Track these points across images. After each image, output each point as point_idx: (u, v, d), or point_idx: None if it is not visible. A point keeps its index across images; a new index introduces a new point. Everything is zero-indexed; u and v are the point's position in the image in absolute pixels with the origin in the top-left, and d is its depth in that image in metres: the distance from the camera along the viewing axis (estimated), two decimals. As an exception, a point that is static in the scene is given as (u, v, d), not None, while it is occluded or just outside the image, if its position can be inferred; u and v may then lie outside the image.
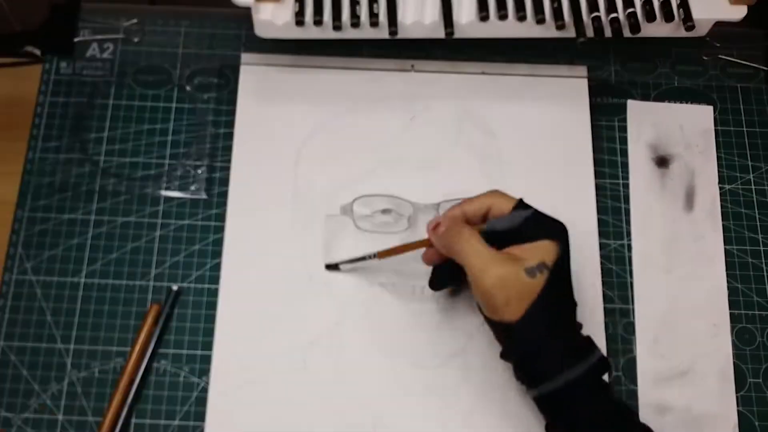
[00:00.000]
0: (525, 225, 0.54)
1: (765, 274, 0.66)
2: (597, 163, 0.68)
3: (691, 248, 0.66)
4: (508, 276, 0.51)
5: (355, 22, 0.63)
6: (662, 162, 0.68)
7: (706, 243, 0.66)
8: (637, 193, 0.67)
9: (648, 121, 0.70)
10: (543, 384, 0.52)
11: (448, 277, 0.58)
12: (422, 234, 0.63)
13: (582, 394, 0.51)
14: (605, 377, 0.53)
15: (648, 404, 0.61)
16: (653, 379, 0.62)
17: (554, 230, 0.54)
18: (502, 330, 0.53)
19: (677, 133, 0.69)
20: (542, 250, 0.52)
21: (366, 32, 0.64)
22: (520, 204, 0.55)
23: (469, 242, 0.53)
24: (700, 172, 0.68)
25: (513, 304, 0.51)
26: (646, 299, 0.64)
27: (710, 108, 0.71)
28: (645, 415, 0.61)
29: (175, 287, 0.62)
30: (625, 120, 0.70)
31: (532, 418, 0.59)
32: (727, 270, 0.65)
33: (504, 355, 0.55)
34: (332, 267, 0.63)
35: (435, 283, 0.60)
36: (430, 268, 0.60)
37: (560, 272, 0.53)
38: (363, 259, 0.61)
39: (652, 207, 0.67)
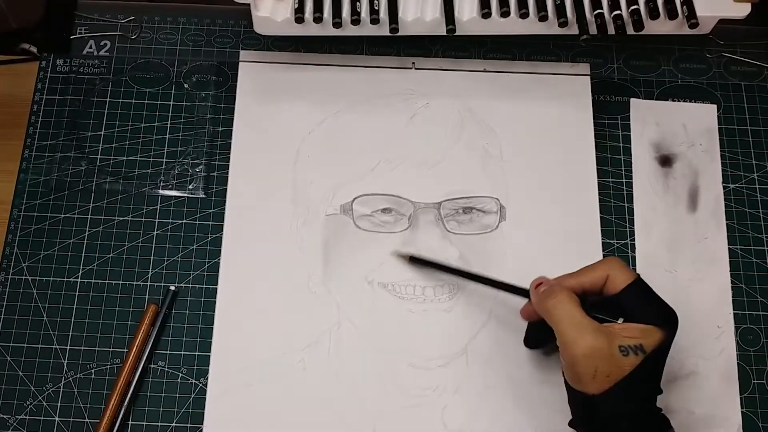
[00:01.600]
0: (635, 304, 0.52)
1: (770, 274, 0.65)
2: (599, 161, 0.67)
3: (694, 249, 0.65)
4: (600, 348, 0.49)
5: (356, 19, 0.63)
6: (665, 161, 0.68)
7: (710, 244, 0.65)
8: (641, 193, 0.67)
9: (651, 120, 0.69)
10: None
11: (544, 336, 0.56)
12: (423, 233, 0.63)
13: None
14: None
15: (651, 406, 0.61)
16: (656, 382, 0.61)
17: (664, 317, 0.52)
18: (580, 400, 0.51)
19: (681, 132, 0.69)
20: (644, 334, 0.51)
21: (366, 29, 0.64)
22: (638, 280, 0.53)
23: (564, 306, 0.52)
24: (703, 172, 0.68)
25: (599, 378, 0.49)
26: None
27: (714, 107, 0.70)
28: (648, 418, 0.60)
29: (172, 287, 0.62)
30: (628, 118, 0.69)
31: (533, 419, 0.59)
32: (731, 270, 0.65)
33: (573, 424, 0.54)
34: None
35: (530, 341, 0.59)
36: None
37: (656, 360, 0.51)
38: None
39: (655, 207, 0.66)
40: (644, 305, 0.53)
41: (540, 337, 0.58)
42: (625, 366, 0.49)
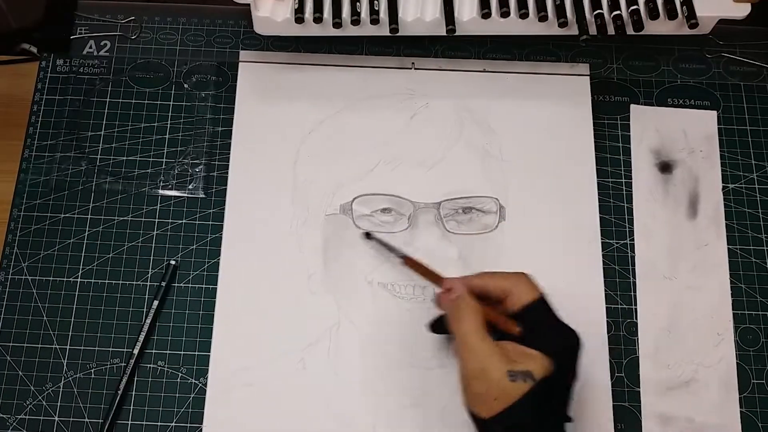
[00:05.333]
0: (532, 326, 0.52)
1: (769, 274, 0.65)
2: (599, 161, 0.67)
3: (694, 256, 0.65)
4: (490, 371, 0.49)
5: (356, 19, 0.63)
6: (665, 168, 0.67)
7: (710, 250, 0.65)
8: (640, 200, 0.67)
9: (651, 126, 0.69)
10: None
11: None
12: (422, 233, 0.63)
13: None
14: None
15: (650, 414, 0.61)
16: (656, 389, 0.61)
17: (558, 345, 0.52)
18: (476, 423, 0.51)
19: (681, 138, 0.69)
20: (534, 361, 0.50)
21: (366, 29, 0.64)
22: (540, 300, 0.53)
23: (467, 324, 0.51)
24: (703, 178, 0.67)
25: (488, 402, 0.49)
26: (649, 308, 0.63)
27: (714, 113, 0.70)
28: (647, 426, 0.60)
29: (173, 261, 0.62)
30: (627, 118, 0.69)
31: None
32: (730, 270, 0.65)
33: None
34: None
35: (436, 327, 0.59)
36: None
37: (547, 389, 0.49)
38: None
39: (655, 213, 0.66)
40: (540, 328, 0.52)
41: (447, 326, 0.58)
42: (513, 392, 0.49)
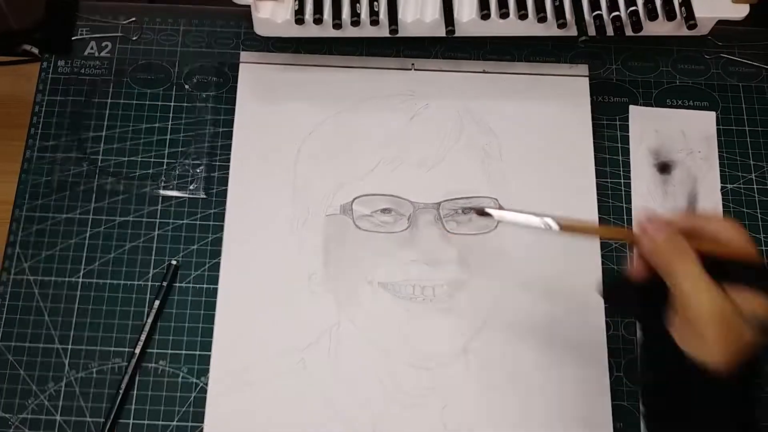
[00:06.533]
0: (757, 277, 0.46)
1: None
2: (598, 162, 0.67)
3: (693, 256, 0.65)
4: (729, 314, 0.44)
5: (356, 20, 0.63)
6: (664, 168, 0.68)
7: (709, 251, 0.65)
8: (639, 201, 0.67)
9: (650, 127, 0.69)
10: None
11: (655, 300, 0.49)
12: (422, 233, 0.63)
13: None
14: None
15: (650, 410, 0.61)
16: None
17: None
18: (701, 375, 0.45)
19: (680, 139, 0.69)
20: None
21: (366, 30, 0.64)
22: (757, 260, 0.48)
23: (690, 262, 0.46)
24: (702, 179, 0.68)
25: (725, 347, 0.44)
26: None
27: (713, 114, 0.70)
28: (647, 420, 0.60)
29: (173, 262, 0.62)
30: (626, 119, 0.69)
31: (532, 418, 0.59)
32: (730, 270, 0.65)
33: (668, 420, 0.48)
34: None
35: (611, 295, 0.55)
36: (429, 271, 0.60)
37: None
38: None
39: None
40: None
41: (631, 302, 0.54)
42: (755, 339, 0.45)
